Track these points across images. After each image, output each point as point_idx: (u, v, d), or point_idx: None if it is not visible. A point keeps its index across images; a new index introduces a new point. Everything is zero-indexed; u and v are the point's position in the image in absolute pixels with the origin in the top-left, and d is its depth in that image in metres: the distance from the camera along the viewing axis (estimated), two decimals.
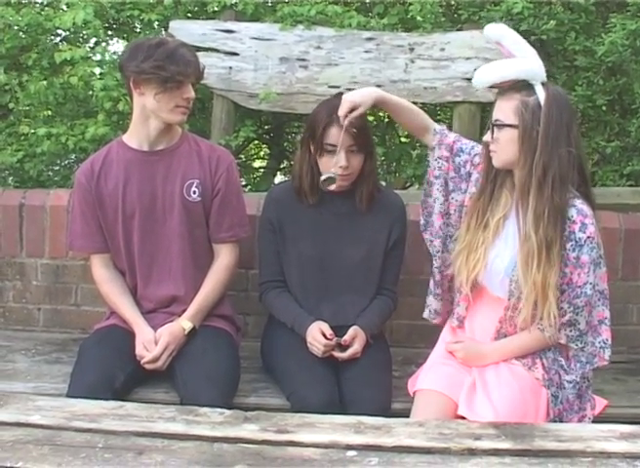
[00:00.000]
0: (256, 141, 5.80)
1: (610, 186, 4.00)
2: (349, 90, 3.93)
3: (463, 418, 2.12)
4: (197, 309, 2.59)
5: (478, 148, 2.39)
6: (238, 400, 2.47)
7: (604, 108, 4.18)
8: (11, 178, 4.38)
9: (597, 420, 2.25)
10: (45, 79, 4.02)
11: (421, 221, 2.52)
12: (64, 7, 4.35)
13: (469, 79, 4.06)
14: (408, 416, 2.23)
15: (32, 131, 4.04)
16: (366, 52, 4.21)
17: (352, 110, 2.36)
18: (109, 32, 4.83)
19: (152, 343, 2.48)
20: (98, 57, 4.20)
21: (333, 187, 2.48)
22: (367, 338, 2.54)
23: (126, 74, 2.51)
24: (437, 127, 2.49)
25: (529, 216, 2.18)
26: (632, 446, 1.61)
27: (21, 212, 3.14)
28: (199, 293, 2.61)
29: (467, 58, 4.14)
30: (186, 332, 2.54)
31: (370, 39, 4.23)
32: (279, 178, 5.73)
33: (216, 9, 4.49)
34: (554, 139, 2.14)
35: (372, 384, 2.45)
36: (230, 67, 4.23)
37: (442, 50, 4.17)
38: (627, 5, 3.92)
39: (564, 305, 2.21)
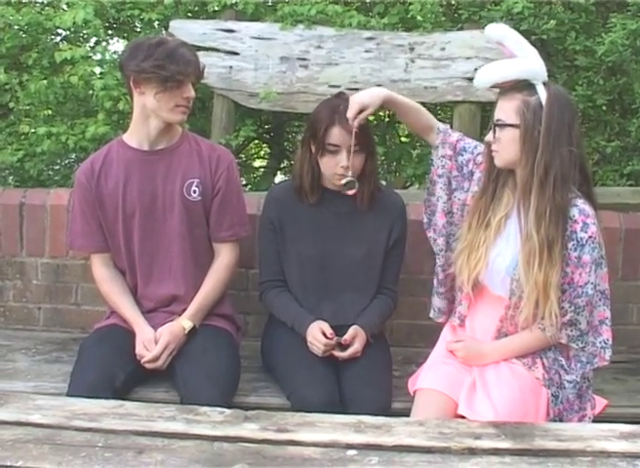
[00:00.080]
0: (256, 141, 5.81)
1: (610, 186, 4.00)
2: (350, 89, 4.00)
3: (464, 418, 2.12)
4: (197, 308, 2.59)
5: (481, 147, 2.40)
6: (238, 399, 2.47)
7: (604, 108, 4.18)
8: (11, 178, 4.38)
9: (597, 420, 2.25)
10: (45, 78, 4.02)
11: (425, 220, 2.53)
12: (65, 6, 4.36)
13: (470, 79, 4.08)
14: (408, 416, 2.23)
15: (32, 130, 4.05)
16: (366, 51, 4.22)
17: (361, 111, 2.37)
18: (110, 32, 4.84)
19: (152, 342, 2.48)
20: (98, 56, 4.21)
21: (353, 191, 2.48)
22: (367, 338, 2.54)
23: (126, 73, 2.51)
24: (441, 126, 2.50)
25: (530, 216, 2.18)
26: (632, 445, 1.61)
27: (22, 211, 3.14)
28: (199, 293, 2.61)
29: (468, 58, 4.14)
30: (186, 332, 2.54)
31: (370, 39, 4.23)
32: (279, 178, 5.74)
33: (216, 8, 4.49)
34: (556, 139, 2.14)
35: (372, 384, 2.45)
36: (231, 67, 4.23)
37: (442, 49, 4.18)
38: (628, 5, 3.92)
39: (565, 305, 2.21)
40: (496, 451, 1.58)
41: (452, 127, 3.71)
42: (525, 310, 2.22)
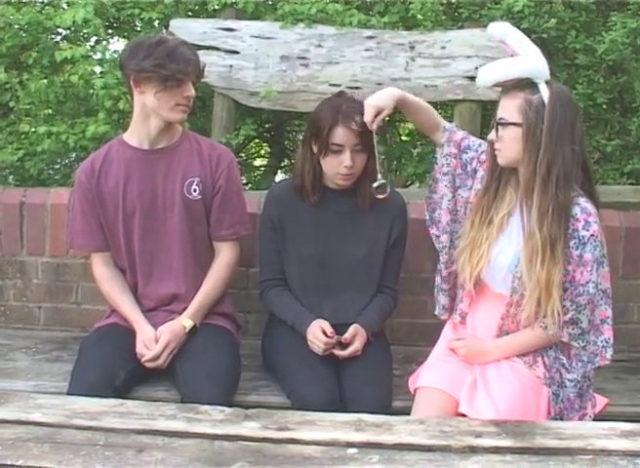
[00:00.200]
0: (256, 140, 5.80)
1: (610, 185, 4.00)
2: (350, 88, 4.00)
3: (464, 416, 2.12)
4: (198, 307, 2.59)
5: (485, 146, 2.40)
6: (239, 398, 2.47)
7: (604, 107, 4.18)
8: (11, 177, 4.37)
9: (598, 418, 2.25)
10: (45, 78, 4.02)
11: (426, 217, 2.54)
12: (65, 5, 4.35)
13: (470, 77, 4.08)
14: (409, 414, 2.23)
15: (33, 129, 4.04)
16: (367, 50, 4.21)
17: (377, 114, 2.36)
18: (110, 31, 4.83)
19: (153, 341, 2.48)
20: (98, 55, 4.20)
21: (384, 195, 2.48)
22: (367, 336, 2.54)
23: (126, 73, 2.50)
24: (447, 124, 2.51)
25: (533, 214, 2.18)
26: (633, 443, 1.62)
27: (22, 210, 3.14)
28: (200, 291, 2.61)
29: (468, 57, 4.14)
30: (187, 330, 2.54)
31: (370, 37, 4.22)
32: (280, 177, 5.73)
33: (216, 7, 4.49)
34: (558, 137, 2.14)
35: (372, 382, 2.45)
36: (231, 66, 4.23)
37: (443, 48, 4.17)
38: (628, 3, 3.92)
39: (566, 303, 2.21)
40: (496, 450, 1.58)
41: None
42: (527, 308, 2.22)
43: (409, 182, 4.95)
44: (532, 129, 2.16)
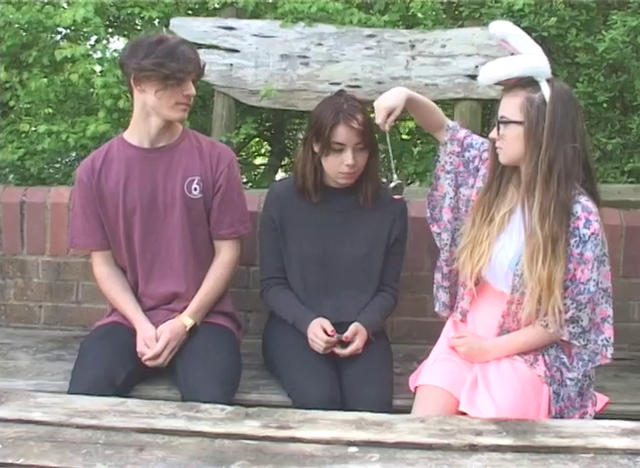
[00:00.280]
0: (257, 138, 5.81)
1: (611, 183, 4.00)
2: (350, 87, 4.00)
3: (465, 414, 2.12)
4: (198, 306, 2.59)
5: (487, 144, 2.40)
6: (239, 396, 2.48)
7: (605, 105, 4.18)
8: (12, 176, 4.38)
9: (598, 417, 2.25)
10: (45, 77, 4.02)
11: (427, 214, 2.54)
12: (65, 4, 4.35)
13: (470, 76, 4.08)
14: (409, 413, 2.23)
15: (33, 128, 4.05)
16: (367, 49, 4.21)
17: (389, 115, 2.36)
18: (110, 30, 4.84)
19: (153, 340, 2.48)
20: (98, 54, 4.19)
21: (400, 196, 2.48)
22: (368, 335, 2.54)
23: (126, 71, 2.50)
24: (450, 123, 2.51)
25: (534, 212, 2.18)
26: (633, 442, 1.61)
27: (22, 209, 3.14)
28: (200, 290, 2.61)
29: (468, 55, 4.14)
30: (188, 329, 2.54)
31: (371, 36, 4.22)
32: (280, 175, 5.74)
33: (216, 6, 4.50)
34: (559, 136, 2.14)
35: (373, 381, 2.45)
36: (231, 64, 4.23)
37: (443, 46, 4.17)
38: (628, 2, 3.91)
39: (567, 301, 2.21)
40: (497, 448, 1.58)
41: None
42: (528, 306, 2.22)
43: (409, 181, 4.95)
44: (533, 127, 2.16)
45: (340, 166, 2.52)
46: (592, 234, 2.17)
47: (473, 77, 4.06)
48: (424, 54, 4.19)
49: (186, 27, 4.23)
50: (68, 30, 4.39)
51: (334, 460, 1.51)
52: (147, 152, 2.59)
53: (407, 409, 2.28)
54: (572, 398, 2.27)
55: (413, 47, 4.19)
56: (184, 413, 1.71)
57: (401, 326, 3.10)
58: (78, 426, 1.64)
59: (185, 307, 2.59)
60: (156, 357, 2.47)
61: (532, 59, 2.21)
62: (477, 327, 2.41)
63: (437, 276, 2.54)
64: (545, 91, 2.17)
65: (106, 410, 1.72)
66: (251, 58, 4.24)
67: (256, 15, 4.41)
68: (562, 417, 2.23)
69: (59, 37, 4.48)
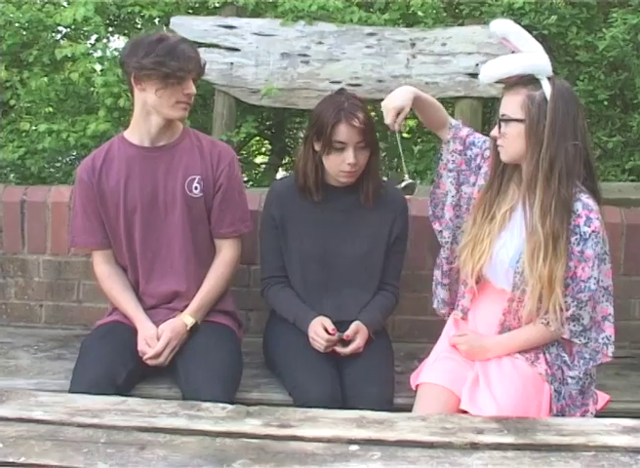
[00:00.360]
0: (257, 137, 5.81)
1: (612, 181, 4.00)
2: (351, 85, 4.00)
3: (466, 413, 2.12)
4: (199, 305, 2.59)
5: (489, 142, 2.40)
6: (240, 395, 2.47)
7: (605, 103, 4.17)
8: (12, 175, 4.39)
9: (599, 415, 2.24)
10: (46, 75, 4.03)
11: (429, 212, 2.55)
12: (65, 3, 4.36)
13: (471, 74, 4.09)
14: (410, 411, 2.23)
15: (33, 127, 4.06)
16: (367, 47, 4.21)
17: (397, 114, 2.36)
18: (110, 29, 4.85)
19: (154, 339, 2.48)
20: (98, 53, 4.20)
21: (411, 195, 2.47)
22: (369, 334, 2.54)
23: (127, 70, 2.50)
24: (453, 121, 2.51)
25: (535, 210, 2.18)
26: (634, 440, 1.61)
27: (23, 208, 3.14)
28: (201, 289, 2.61)
29: (469, 54, 4.14)
30: (188, 328, 2.53)
31: (371, 34, 4.23)
32: (281, 174, 5.74)
33: (217, 5, 4.50)
34: (560, 133, 2.14)
35: (374, 379, 2.45)
36: (232, 63, 4.23)
37: (443, 45, 4.17)
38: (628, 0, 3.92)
39: (568, 299, 2.21)
40: (498, 446, 1.58)
41: None
42: (529, 304, 2.22)
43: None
44: (534, 125, 2.16)
45: (341, 164, 2.52)
46: (593, 232, 2.17)
47: (474, 75, 4.07)
48: (425, 52, 4.19)
49: (187, 26, 4.23)
50: (69, 29, 4.41)
51: (335, 459, 1.51)
52: (148, 151, 2.59)
53: (408, 408, 2.28)
54: (573, 396, 2.27)
55: (413, 45, 4.20)
56: (185, 412, 1.71)
57: (402, 324, 3.10)
58: (79, 425, 1.64)
59: (186, 306, 2.59)
60: (157, 356, 2.47)
61: (533, 57, 2.21)
62: (478, 325, 2.41)
63: (436, 273, 2.54)
64: (546, 88, 2.16)
65: (107, 409, 1.72)
66: (251, 56, 4.24)
67: (256, 13, 4.41)
68: (563, 415, 2.23)
69: (59, 36, 4.50)
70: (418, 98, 2.40)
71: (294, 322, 2.59)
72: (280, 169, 5.90)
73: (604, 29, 3.86)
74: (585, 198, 2.19)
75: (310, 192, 2.62)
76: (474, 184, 2.43)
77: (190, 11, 4.66)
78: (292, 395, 2.45)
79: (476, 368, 2.29)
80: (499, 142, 2.25)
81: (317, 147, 2.56)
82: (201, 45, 4.02)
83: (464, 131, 2.48)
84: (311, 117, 2.66)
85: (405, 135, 5.14)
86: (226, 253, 2.66)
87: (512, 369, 2.24)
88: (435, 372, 2.32)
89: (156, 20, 4.58)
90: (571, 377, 2.26)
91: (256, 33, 4.26)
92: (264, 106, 4.52)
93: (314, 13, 4.21)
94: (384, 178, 2.72)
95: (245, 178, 5.24)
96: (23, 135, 4.14)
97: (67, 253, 3.14)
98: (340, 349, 2.50)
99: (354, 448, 1.56)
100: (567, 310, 2.21)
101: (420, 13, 4.35)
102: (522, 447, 1.58)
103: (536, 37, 2.32)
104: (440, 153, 2.53)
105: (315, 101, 2.75)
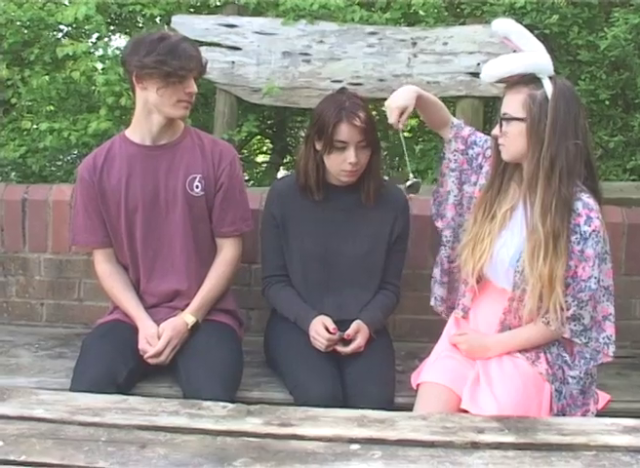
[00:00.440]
0: (258, 136, 5.81)
1: (613, 181, 3.99)
2: (352, 84, 3.99)
3: (467, 412, 2.12)
4: (200, 303, 2.59)
5: (491, 142, 2.40)
6: (241, 394, 2.47)
7: (607, 103, 4.17)
8: (13, 173, 4.39)
9: (600, 415, 2.25)
10: (47, 74, 4.03)
11: (432, 211, 2.56)
12: (66, 2, 4.35)
13: (472, 73, 4.08)
14: (411, 410, 2.23)
15: (35, 126, 4.06)
16: (369, 46, 4.21)
17: (401, 114, 2.35)
18: (111, 27, 4.84)
19: (155, 338, 2.48)
20: (100, 51, 4.20)
21: (416, 194, 2.47)
22: (370, 333, 2.54)
23: (128, 69, 2.50)
24: (455, 120, 2.51)
25: (536, 209, 2.18)
26: (635, 439, 1.61)
27: (24, 207, 3.14)
28: (202, 288, 2.61)
29: (470, 53, 4.14)
30: (189, 327, 2.54)
31: (372, 33, 4.22)
32: (282, 173, 5.73)
33: (218, 3, 4.50)
34: (562, 132, 2.14)
35: (375, 378, 2.45)
36: (233, 62, 4.23)
37: (445, 44, 4.17)
38: None
39: (568, 299, 2.21)
40: (499, 446, 1.58)
41: None
42: (529, 303, 2.22)
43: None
44: (535, 124, 2.16)
45: (342, 164, 2.52)
46: (593, 231, 2.17)
47: (475, 75, 4.06)
48: (426, 51, 4.19)
49: (188, 25, 4.23)
50: (70, 28, 4.40)
51: (336, 458, 1.51)
52: (149, 150, 2.59)
53: (409, 407, 2.28)
54: (574, 396, 2.27)
55: (414, 44, 4.19)
56: (186, 411, 1.71)
57: (403, 323, 3.10)
58: (80, 423, 1.64)
59: (187, 305, 2.59)
60: (158, 355, 2.47)
61: (534, 57, 2.21)
62: (479, 324, 2.41)
63: (436, 271, 2.55)
64: (548, 88, 2.17)
65: (108, 408, 1.72)
66: (252, 55, 4.24)
67: (257, 12, 4.41)
68: (564, 415, 2.23)
69: (60, 35, 4.50)
70: (420, 98, 2.40)
71: (295, 321, 2.59)
72: (281, 168, 5.89)
73: (605, 29, 3.86)
74: (586, 197, 2.19)
75: (311, 191, 2.62)
76: (476, 183, 2.43)
77: (192, 9, 4.65)
78: (292, 394, 2.45)
79: (477, 367, 2.29)
80: (500, 141, 2.26)
81: (318, 146, 2.55)
82: (202, 44, 4.02)
83: (466, 130, 2.49)
84: (312, 116, 2.66)
85: (406, 134, 5.14)
86: (227, 251, 2.66)
87: (513, 368, 2.24)
88: (436, 372, 2.32)
89: (157, 19, 4.57)
90: (572, 377, 2.26)
91: (257, 32, 4.26)
92: (266, 105, 4.52)
93: (315, 12, 4.21)
94: (385, 178, 2.71)
95: (246, 177, 5.23)
96: (25, 133, 4.14)
97: (68, 252, 3.14)
98: (340, 348, 2.50)
99: (355, 447, 1.56)
100: (567, 310, 2.21)
101: (421, 12, 4.34)
102: (523, 446, 1.58)
103: (537, 36, 2.32)
104: (443, 152, 2.54)
105: (316, 100, 2.74)
